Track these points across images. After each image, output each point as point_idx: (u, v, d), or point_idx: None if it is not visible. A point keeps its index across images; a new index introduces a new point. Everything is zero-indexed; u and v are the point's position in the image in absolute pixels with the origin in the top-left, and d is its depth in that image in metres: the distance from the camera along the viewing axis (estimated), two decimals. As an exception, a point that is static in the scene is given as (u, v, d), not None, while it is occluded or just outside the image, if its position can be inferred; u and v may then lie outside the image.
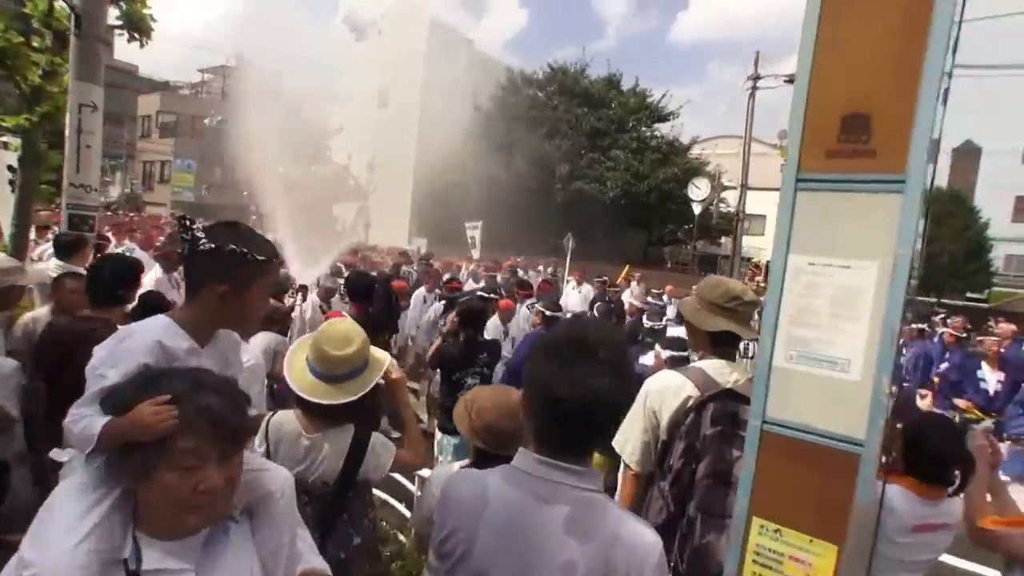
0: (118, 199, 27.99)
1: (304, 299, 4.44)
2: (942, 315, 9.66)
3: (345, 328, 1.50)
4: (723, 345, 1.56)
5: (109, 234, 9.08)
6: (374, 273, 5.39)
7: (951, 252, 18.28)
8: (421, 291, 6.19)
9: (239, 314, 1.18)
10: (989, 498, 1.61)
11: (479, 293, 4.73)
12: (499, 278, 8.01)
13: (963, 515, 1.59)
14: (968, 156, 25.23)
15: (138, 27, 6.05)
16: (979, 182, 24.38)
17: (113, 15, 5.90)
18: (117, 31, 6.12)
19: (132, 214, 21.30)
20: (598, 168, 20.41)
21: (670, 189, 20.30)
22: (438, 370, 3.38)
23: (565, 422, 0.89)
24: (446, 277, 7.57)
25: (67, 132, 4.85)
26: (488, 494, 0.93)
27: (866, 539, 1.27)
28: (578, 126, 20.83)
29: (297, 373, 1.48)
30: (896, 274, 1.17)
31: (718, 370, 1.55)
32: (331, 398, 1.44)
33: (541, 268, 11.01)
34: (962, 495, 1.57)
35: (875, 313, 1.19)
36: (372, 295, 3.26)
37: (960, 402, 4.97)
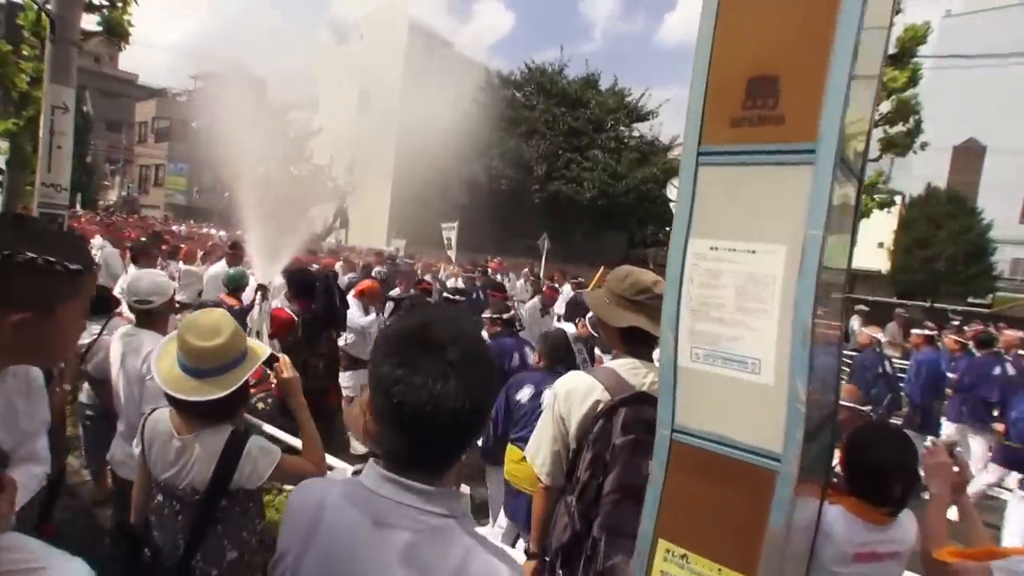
0: (116, 202, 28.13)
1: (264, 299, 4.29)
2: (957, 322, 8.97)
3: (215, 317, 1.35)
4: (636, 343, 1.39)
5: (99, 236, 9.05)
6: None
7: (948, 255, 17.96)
8: (396, 292, 6.05)
9: (44, 346, 0.89)
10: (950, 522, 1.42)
11: (445, 295, 4.58)
12: (476, 280, 7.85)
13: (919, 543, 1.40)
14: (970, 155, 24.90)
15: (116, 32, 6.12)
16: (983, 182, 24.02)
17: (94, 21, 5.99)
18: (100, 38, 6.18)
19: (125, 216, 21.37)
20: (575, 168, 20.09)
21: (648, 189, 19.87)
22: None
23: (408, 432, 0.75)
24: (427, 278, 7.42)
25: (40, 133, 4.82)
26: (324, 512, 0.79)
27: (782, 570, 1.09)
28: (555, 126, 20.53)
29: (165, 367, 1.33)
30: (806, 259, 1.00)
31: (631, 371, 1.39)
32: (199, 394, 1.29)
33: (527, 271, 10.81)
34: (910, 516, 1.39)
35: (785, 305, 1.03)
36: (314, 292, 3.13)
37: (1001, 427, 4.16)
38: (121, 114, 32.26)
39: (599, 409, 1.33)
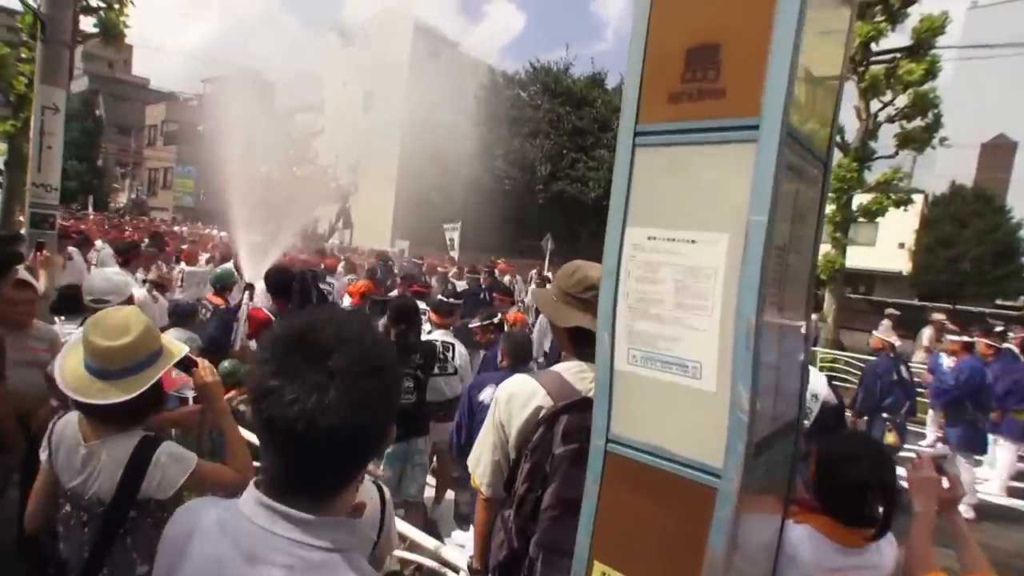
0: (125, 205, 28.76)
1: (251, 298, 4.26)
2: (1000, 327, 8.38)
3: (123, 315, 1.27)
4: (584, 344, 1.28)
5: (99, 239, 9.22)
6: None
7: (975, 256, 17.27)
8: (395, 295, 5.99)
9: None
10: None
11: (439, 297, 4.50)
12: (482, 283, 7.72)
13: (902, 568, 1.25)
14: (1000, 151, 23.96)
15: (112, 33, 6.23)
16: (1013, 179, 23.03)
17: (92, 24, 6.11)
18: (96, 39, 6.29)
19: (130, 218, 21.80)
20: (580, 168, 19.87)
21: (654, 189, 19.72)
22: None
23: (282, 452, 0.65)
24: (434, 280, 7.34)
25: (31, 133, 4.88)
26: (192, 541, 0.70)
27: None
28: (560, 125, 20.30)
29: (70, 367, 1.25)
30: (749, 248, 0.88)
31: (577, 375, 1.28)
32: (103, 397, 1.19)
33: (535, 273, 10.64)
34: (888, 539, 1.24)
35: (728, 302, 0.91)
36: (290, 291, 3.07)
37: None
38: (133, 118, 32.97)
39: (540, 416, 1.22)
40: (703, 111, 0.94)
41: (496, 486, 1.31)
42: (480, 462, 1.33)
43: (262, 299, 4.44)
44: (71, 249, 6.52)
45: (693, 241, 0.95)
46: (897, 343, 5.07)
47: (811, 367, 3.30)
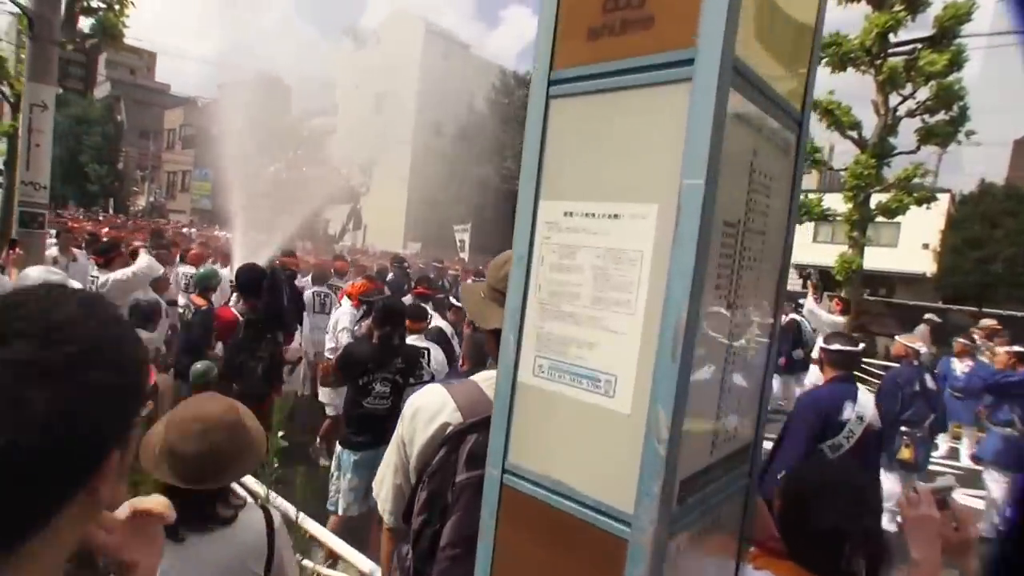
0: (144, 207, 29.43)
1: (239, 300, 4.14)
2: None
3: None
4: (512, 349, 1.07)
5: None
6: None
7: (1007, 256, 16.43)
8: (408, 299, 5.83)
9: None
10: None
11: (444, 298, 4.33)
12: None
13: None
14: (1033, 149, 22.92)
15: (111, 34, 6.25)
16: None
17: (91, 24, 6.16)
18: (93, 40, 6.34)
19: (138, 219, 22.28)
20: None
21: (668, 188, 19.39)
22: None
23: None
24: (446, 283, 7.13)
25: (20, 132, 4.89)
26: None
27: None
28: None
29: None
30: (682, 222, 0.67)
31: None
32: None
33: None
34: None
35: (654, 295, 0.70)
36: (260, 289, 2.92)
37: None
38: (153, 122, 33.84)
39: (447, 434, 1.02)
40: (627, 47, 0.73)
41: (399, 514, 1.11)
42: (383, 485, 1.14)
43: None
44: (75, 251, 6.54)
45: (616, 215, 0.74)
46: (923, 349, 4.68)
47: (860, 386, 2.92)
